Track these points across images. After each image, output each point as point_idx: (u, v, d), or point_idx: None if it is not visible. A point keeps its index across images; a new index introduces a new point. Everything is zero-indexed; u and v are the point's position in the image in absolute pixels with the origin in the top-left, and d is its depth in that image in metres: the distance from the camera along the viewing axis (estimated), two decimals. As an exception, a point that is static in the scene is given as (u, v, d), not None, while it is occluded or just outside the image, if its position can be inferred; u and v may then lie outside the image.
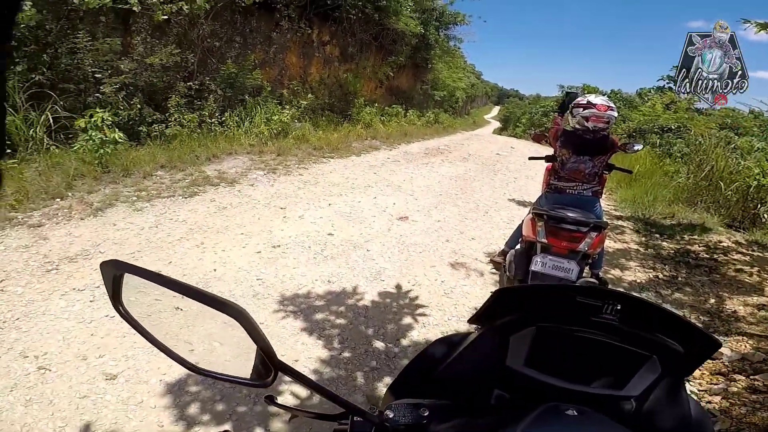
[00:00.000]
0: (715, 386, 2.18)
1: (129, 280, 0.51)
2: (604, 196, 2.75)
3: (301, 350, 2.23)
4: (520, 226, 2.70)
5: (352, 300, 2.76)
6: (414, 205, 4.92)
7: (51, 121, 4.81)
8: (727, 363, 2.37)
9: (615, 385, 0.59)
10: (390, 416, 0.53)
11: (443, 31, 15.93)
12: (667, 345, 0.60)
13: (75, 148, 4.55)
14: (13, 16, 0.26)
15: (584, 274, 2.37)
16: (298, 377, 0.47)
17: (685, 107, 10.95)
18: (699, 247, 4.39)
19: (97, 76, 5.37)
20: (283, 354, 2.18)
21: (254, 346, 0.45)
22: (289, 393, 1.88)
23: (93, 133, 4.53)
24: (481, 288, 3.12)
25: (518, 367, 0.60)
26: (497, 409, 0.59)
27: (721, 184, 6.01)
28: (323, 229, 3.87)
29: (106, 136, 4.58)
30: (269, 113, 7.68)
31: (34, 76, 4.83)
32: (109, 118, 4.75)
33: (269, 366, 0.46)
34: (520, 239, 2.63)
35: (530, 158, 3.16)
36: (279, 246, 3.41)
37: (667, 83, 17.52)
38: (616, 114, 2.47)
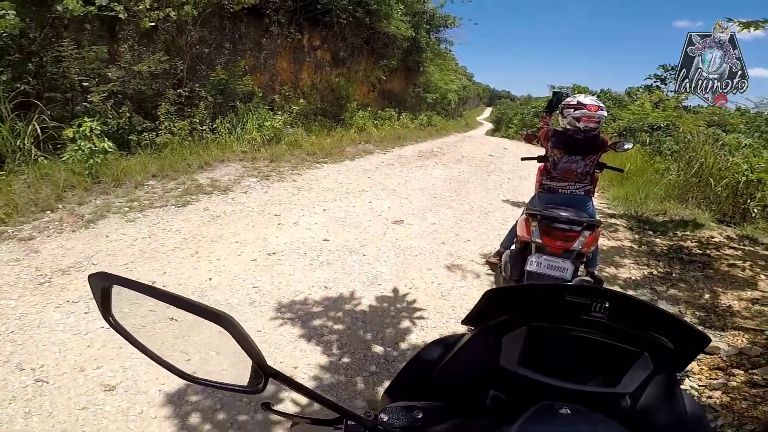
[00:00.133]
0: (715, 381, 2.19)
1: (121, 292, 0.51)
2: (596, 194, 2.77)
3: (300, 357, 2.21)
4: (514, 227, 2.71)
5: (349, 305, 2.75)
6: (409, 209, 4.92)
7: (38, 131, 4.75)
8: (724, 358, 2.39)
9: (609, 383, 0.59)
10: (384, 419, 0.53)
11: (434, 34, 16.02)
12: (657, 341, 0.60)
13: (64, 158, 4.50)
14: None
15: (580, 273, 2.38)
16: (291, 384, 0.47)
17: (673, 105, 11.10)
18: (692, 243, 4.44)
19: (84, 84, 5.30)
20: (282, 361, 2.16)
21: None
22: (290, 400, 1.86)
23: (82, 143, 4.48)
24: (477, 289, 3.12)
25: (512, 367, 0.60)
26: (492, 410, 0.59)
27: (711, 180, 6.09)
28: (318, 234, 3.86)
29: (96, 146, 4.52)
30: (261, 119, 7.65)
31: (19, 85, 4.77)
32: (98, 128, 4.70)
33: (260, 373, 0.46)
34: (514, 240, 2.64)
35: (522, 159, 3.18)
36: (274, 253, 3.39)
37: (655, 82, 17.77)
38: (605, 113, 2.50)
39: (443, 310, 2.80)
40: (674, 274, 3.68)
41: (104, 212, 3.84)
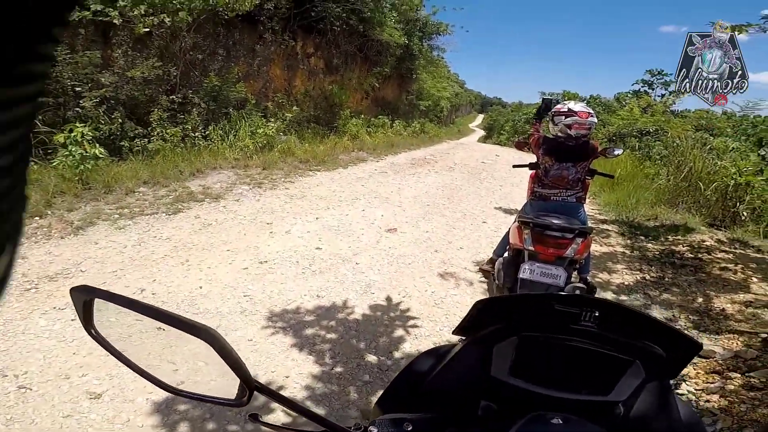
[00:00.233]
0: (712, 385, 2.20)
1: (104, 304, 0.51)
2: (587, 200, 2.79)
3: (292, 366, 2.18)
4: (507, 234, 2.71)
5: (342, 314, 2.72)
6: (402, 217, 4.92)
7: (29, 137, 4.71)
8: (721, 361, 2.39)
9: (601, 391, 0.59)
10: None
11: (426, 42, 16.17)
12: (648, 349, 0.60)
13: (54, 164, 4.45)
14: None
15: (572, 280, 2.39)
16: (275, 397, 0.47)
17: (661, 110, 11.29)
18: (683, 247, 4.48)
19: (77, 89, 5.27)
20: (273, 371, 2.13)
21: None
22: (281, 410, 1.83)
23: (73, 149, 4.43)
24: (471, 297, 3.12)
25: (504, 377, 0.60)
26: (484, 421, 0.59)
27: (701, 184, 6.18)
28: (311, 243, 3.83)
29: (87, 152, 4.48)
30: (254, 126, 7.63)
31: (10, 89, 4.73)
32: (90, 133, 4.66)
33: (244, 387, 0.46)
34: (507, 247, 2.64)
35: (514, 166, 3.19)
36: (266, 262, 3.36)
37: (642, 87, 18.08)
38: (596, 120, 2.53)
39: (437, 318, 2.78)
40: (667, 279, 3.70)
41: (94, 219, 3.79)
